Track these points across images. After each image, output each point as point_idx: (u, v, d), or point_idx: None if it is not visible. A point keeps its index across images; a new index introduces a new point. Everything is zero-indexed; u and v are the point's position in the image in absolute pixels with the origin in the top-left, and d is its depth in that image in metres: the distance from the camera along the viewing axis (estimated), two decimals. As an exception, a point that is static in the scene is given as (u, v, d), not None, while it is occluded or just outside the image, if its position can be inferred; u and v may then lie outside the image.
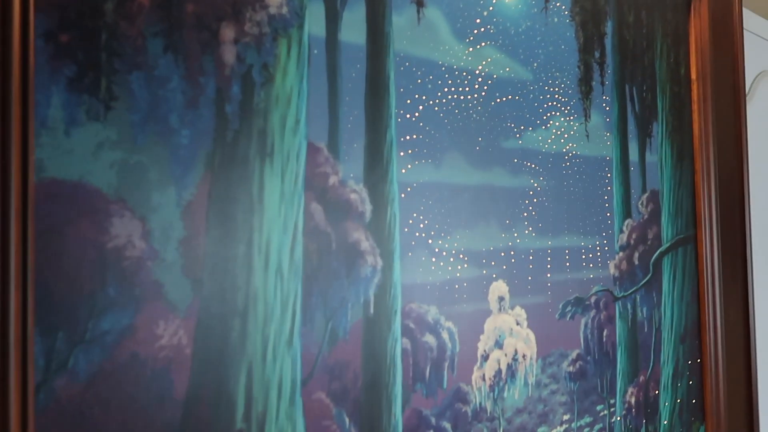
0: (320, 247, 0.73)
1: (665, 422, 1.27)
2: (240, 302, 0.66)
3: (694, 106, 1.40)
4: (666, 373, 1.28)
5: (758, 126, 1.86)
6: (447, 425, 0.86)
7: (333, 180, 0.74)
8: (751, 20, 1.81)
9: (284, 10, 0.70)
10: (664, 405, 1.27)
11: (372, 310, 0.78)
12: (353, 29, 0.77)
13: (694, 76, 1.40)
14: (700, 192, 1.39)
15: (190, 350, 0.62)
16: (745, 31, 1.81)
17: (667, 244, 1.30)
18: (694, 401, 1.35)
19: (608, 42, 1.17)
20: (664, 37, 1.31)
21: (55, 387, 0.54)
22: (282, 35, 0.70)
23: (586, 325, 1.10)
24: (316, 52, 0.73)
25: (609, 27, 1.17)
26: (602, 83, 1.15)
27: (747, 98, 1.87)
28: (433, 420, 0.85)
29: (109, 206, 0.57)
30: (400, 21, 0.82)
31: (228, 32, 0.65)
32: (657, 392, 1.26)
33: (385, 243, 0.79)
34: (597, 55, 1.15)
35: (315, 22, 0.73)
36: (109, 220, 0.57)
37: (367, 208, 0.78)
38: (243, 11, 0.67)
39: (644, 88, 1.26)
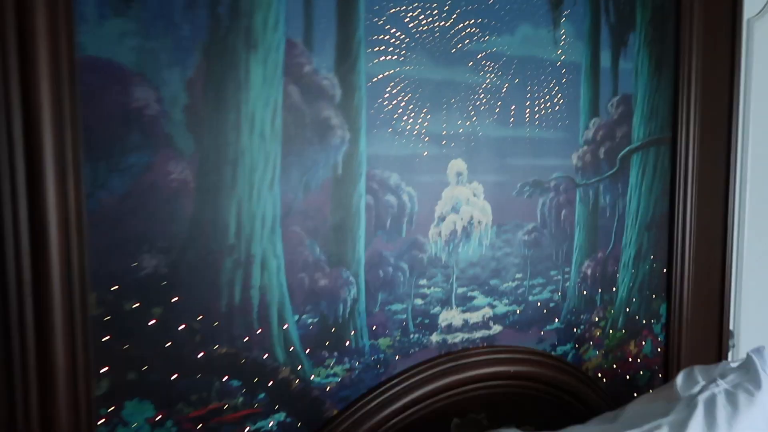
0: (296, 120, 0.93)
1: (623, 294, 1.43)
2: (230, 154, 0.87)
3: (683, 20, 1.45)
4: (627, 254, 1.42)
5: (769, 42, 1.87)
6: (404, 266, 1.07)
7: (308, 68, 0.93)
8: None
9: (268, -67, 0.87)
10: (623, 280, 1.42)
11: (340, 171, 0.98)
12: (327, -52, 0.93)
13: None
14: (680, 98, 1.47)
15: (194, 185, 0.85)
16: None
17: (638, 143, 1.41)
18: (656, 281, 1.49)
19: (583, -43, 1.26)
20: (648, -49, 1.38)
21: (98, 197, 0.78)
22: (266, -47, 0.87)
23: (544, 204, 1.26)
24: (293, -34, 0.90)
25: (585, -58, 1.26)
26: (574, -4, 1.25)
27: (761, 14, 1.87)
28: (392, 260, 1.05)
29: (132, 78, 0.79)
30: (371, -60, 0.97)
31: (221, -48, 0.84)
32: (616, 269, 1.41)
33: (353, 121, 0.98)
34: (570, -31, 1.24)
35: (293, -57, 0.90)
36: (132, 88, 0.79)
37: (338, 92, 0.96)
38: (233, -65, 0.85)
39: (622, 1, 1.34)
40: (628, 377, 1.46)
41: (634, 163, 1.41)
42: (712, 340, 1.65)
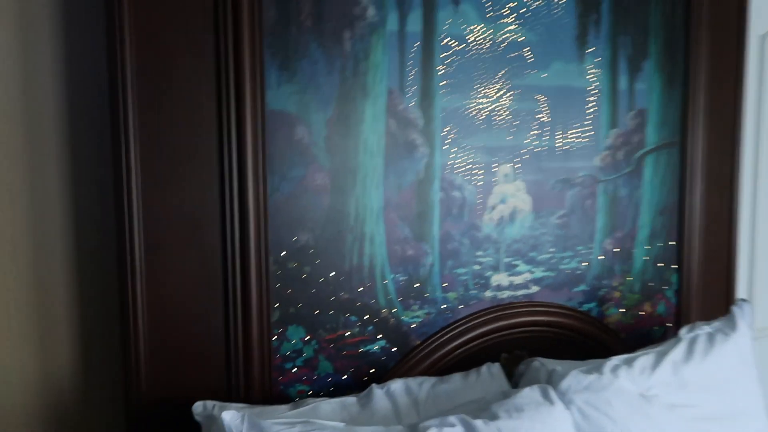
0: (394, 142, 1.37)
1: (638, 266, 1.82)
2: (352, 166, 1.33)
3: (690, 46, 1.81)
4: (642, 234, 1.81)
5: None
6: (466, 241, 1.51)
7: (401, 107, 1.37)
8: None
9: (376, 18, 1.32)
10: (639, 255, 1.81)
11: (422, 175, 1.42)
12: (414, 23, 1.37)
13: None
14: (689, 109, 1.83)
15: (329, 187, 1.31)
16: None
17: (651, 147, 1.79)
18: (669, 255, 1.86)
19: (604, 7, 1.64)
20: (659, -4, 1.74)
21: (275, 196, 1.25)
22: (375, 32, 1.32)
23: (572, 196, 1.66)
24: (392, 40, 1.34)
25: (605, -3, 1.65)
26: (597, 37, 1.64)
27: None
28: (457, 237, 1.49)
29: (295, 120, 1.25)
30: (444, 14, 1.40)
31: (347, 34, 1.29)
32: (632, 246, 1.79)
33: (431, 140, 1.42)
34: (593, 17, 1.63)
35: (392, 23, 1.34)
36: (294, 127, 1.25)
37: (420, 122, 1.40)
38: (354, 23, 1.29)
39: (636, 36, 1.71)
40: (644, 331, 1.85)
41: (648, 162, 1.79)
42: (720, 305, 2.01)
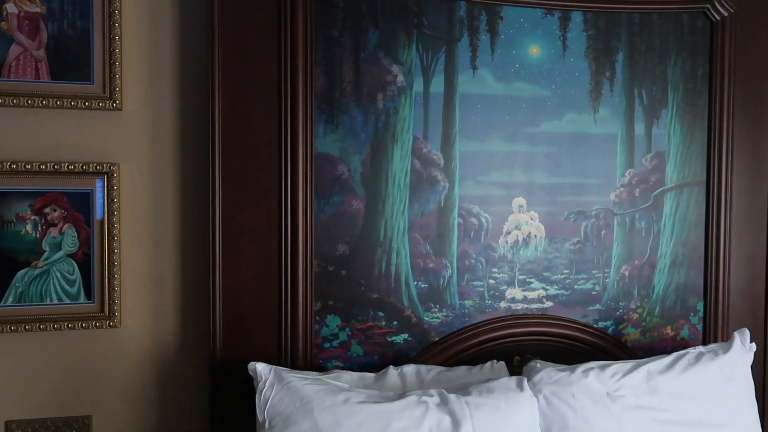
0: (418, 178, 1.72)
1: (659, 291, 1.97)
2: (382, 196, 1.69)
3: (714, 95, 1.96)
4: (662, 262, 1.96)
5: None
6: (482, 259, 1.80)
7: (425, 150, 1.72)
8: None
9: (404, 83, 1.68)
10: (659, 281, 1.96)
11: (442, 204, 1.75)
12: (437, 86, 1.71)
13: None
14: (713, 151, 1.96)
15: (363, 211, 1.68)
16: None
17: (671, 185, 1.95)
18: (692, 284, 1.99)
19: (619, 66, 1.87)
20: (679, 52, 1.93)
21: (320, 216, 1.65)
22: (403, 93, 1.68)
23: (586, 226, 1.88)
24: (418, 99, 1.70)
25: (620, 56, 1.87)
26: (611, 90, 1.87)
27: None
28: (474, 255, 1.79)
29: (337, 160, 1.65)
30: (463, 77, 1.73)
31: (380, 96, 1.67)
32: (652, 273, 1.95)
33: (451, 177, 1.74)
34: (608, 74, 1.87)
35: (417, 86, 1.70)
36: (336, 165, 1.65)
37: (442, 161, 1.73)
38: (386, 87, 1.67)
39: (654, 89, 1.91)
40: (665, 353, 1.99)
41: (668, 199, 1.95)
42: (755, 335, 2.07)
